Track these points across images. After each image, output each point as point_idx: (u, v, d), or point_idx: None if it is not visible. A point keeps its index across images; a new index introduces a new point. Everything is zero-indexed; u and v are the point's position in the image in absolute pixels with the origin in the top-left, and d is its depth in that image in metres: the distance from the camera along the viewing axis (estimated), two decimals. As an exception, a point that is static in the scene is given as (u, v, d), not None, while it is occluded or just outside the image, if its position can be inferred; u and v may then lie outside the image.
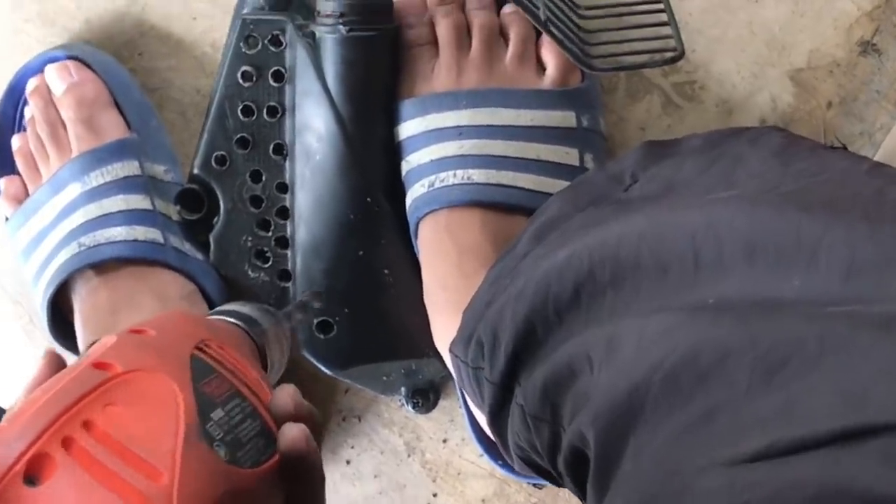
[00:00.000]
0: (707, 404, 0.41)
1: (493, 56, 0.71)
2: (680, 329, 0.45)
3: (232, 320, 0.58)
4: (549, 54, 0.70)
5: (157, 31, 0.76)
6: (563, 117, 0.70)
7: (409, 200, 0.71)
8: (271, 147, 0.73)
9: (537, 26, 0.64)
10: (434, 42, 0.71)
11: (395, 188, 0.72)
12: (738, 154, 0.57)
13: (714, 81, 0.72)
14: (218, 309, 0.61)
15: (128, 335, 0.47)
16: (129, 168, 0.73)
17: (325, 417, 0.78)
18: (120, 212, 0.73)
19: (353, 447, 0.79)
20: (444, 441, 0.78)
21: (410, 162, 0.71)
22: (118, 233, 0.72)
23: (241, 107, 0.72)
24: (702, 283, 0.48)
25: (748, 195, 0.49)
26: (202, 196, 0.74)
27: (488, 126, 0.69)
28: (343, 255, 0.72)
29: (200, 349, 0.48)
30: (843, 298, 0.41)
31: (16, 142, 0.76)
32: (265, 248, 0.74)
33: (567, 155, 0.70)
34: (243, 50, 0.72)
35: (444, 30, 0.71)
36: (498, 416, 0.60)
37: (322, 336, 0.73)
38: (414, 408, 0.76)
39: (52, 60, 0.75)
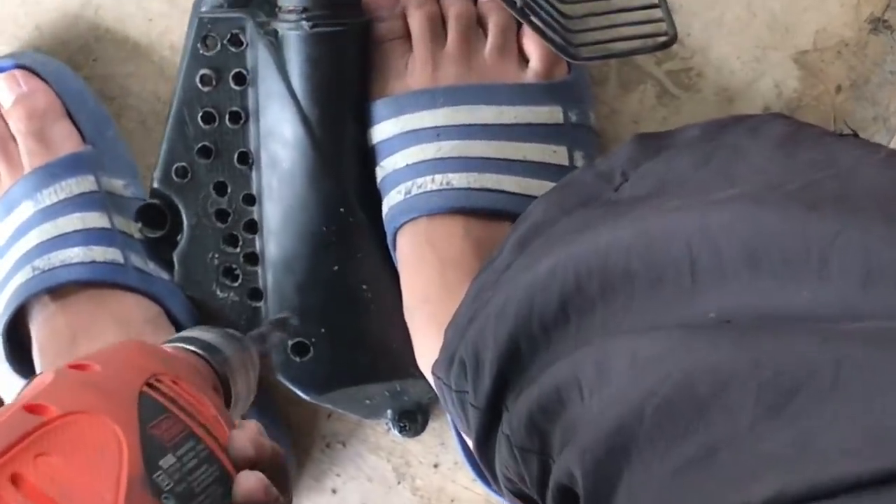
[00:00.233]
0: (707, 439, 0.36)
1: (472, 49, 0.66)
2: (675, 351, 0.39)
3: (191, 348, 0.54)
4: (532, 45, 0.65)
5: (112, 34, 0.72)
6: (550, 113, 0.65)
7: (385, 209, 0.66)
8: (236, 156, 0.67)
9: (513, 14, 0.59)
10: (407, 36, 0.66)
11: (371, 196, 0.67)
12: (737, 146, 0.52)
13: (712, 68, 0.67)
14: (176, 336, 0.56)
15: (67, 372, 0.43)
16: (84, 184, 0.69)
17: (308, 444, 0.73)
18: (76, 231, 0.68)
19: (338, 475, 0.74)
20: (436, 466, 0.73)
21: (385, 167, 0.66)
22: (75, 254, 0.67)
23: (201, 113, 0.67)
24: (700, 295, 0.43)
25: (749, 195, 0.44)
26: (164, 211, 0.69)
27: (468, 125, 0.64)
28: (317, 270, 0.67)
29: (151, 385, 0.43)
30: (861, 312, 0.36)
31: (-36, 159, 0.71)
32: (233, 266, 0.69)
33: (555, 154, 0.65)
34: (201, 52, 0.67)
35: (417, 22, 0.66)
36: (485, 444, 0.55)
37: (298, 359, 0.68)
38: (401, 431, 0.71)
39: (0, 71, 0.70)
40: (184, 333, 0.56)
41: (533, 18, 0.57)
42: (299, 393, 0.69)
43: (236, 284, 0.69)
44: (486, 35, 0.66)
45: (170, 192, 0.69)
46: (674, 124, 0.67)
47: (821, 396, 0.33)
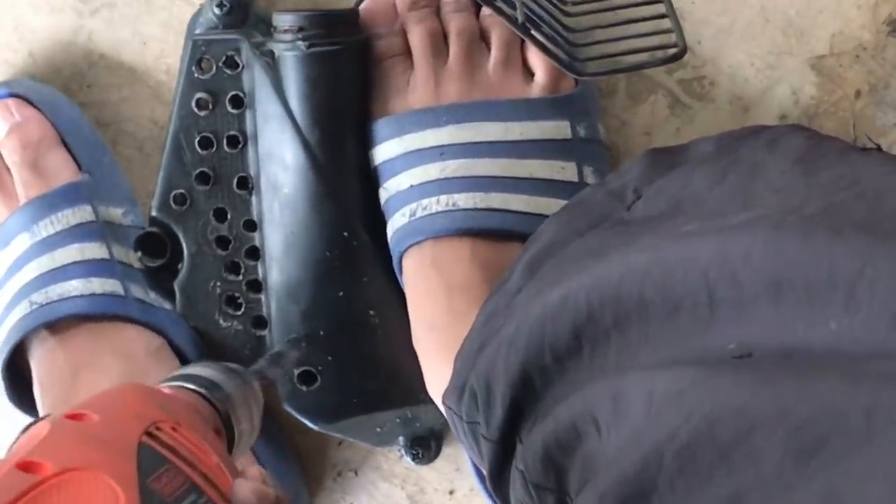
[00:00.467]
0: (731, 487, 0.34)
1: (475, 64, 0.63)
2: (695, 389, 0.37)
3: (191, 387, 0.52)
4: (537, 58, 0.63)
5: (106, 60, 0.70)
6: (557, 128, 0.62)
7: (389, 232, 0.64)
8: (235, 181, 0.65)
9: (514, 29, 0.56)
10: (407, 52, 0.64)
11: (375, 218, 0.65)
12: (754, 162, 0.50)
13: (725, 76, 0.65)
14: (175, 374, 0.54)
15: (64, 423, 0.41)
16: (81, 214, 0.67)
17: (318, 473, 0.71)
18: (74, 263, 0.66)
19: (351, 504, 0.72)
20: (451, 493, 0.71)
21: (389, 189, 0.63)
22: (73, 287, 0.66)
23: (198, 138, 0.65)
24: (719, 326, 0.41)
25: (767, 218, 0.42)
26: (164, 240, 0.67)
27: (473, 143, 0.62)
28: (322, 296, 0.65)
29: (151, 434, 0.42)
30: (891, 349, 0.33)
31: (-42, 191, 0.70)
32: (236, 294, 0.67)
33: (563, 170, 0.62)
34: (196, 75, 0.65)
35: (417, 38, 0.63)
36: (499, 478, 0.53)
37: (305, 388, 0.66)
38: (414, 459, 0.69)
39: (-9, 100, 0.68)
40: (183, 370, 0.54)
41: (536, 34, 0.55)
42: (308, 423, 0.67)
43: (239, 313, 0.67)
44: (489, 50, 0.64)
45: (169, 219, 0.67)
46: (687, 135, 0.65)
47: (851, 447, 0.30)
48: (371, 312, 0.65)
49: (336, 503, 0.72)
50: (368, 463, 0.71)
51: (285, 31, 0.62)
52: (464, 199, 0.61)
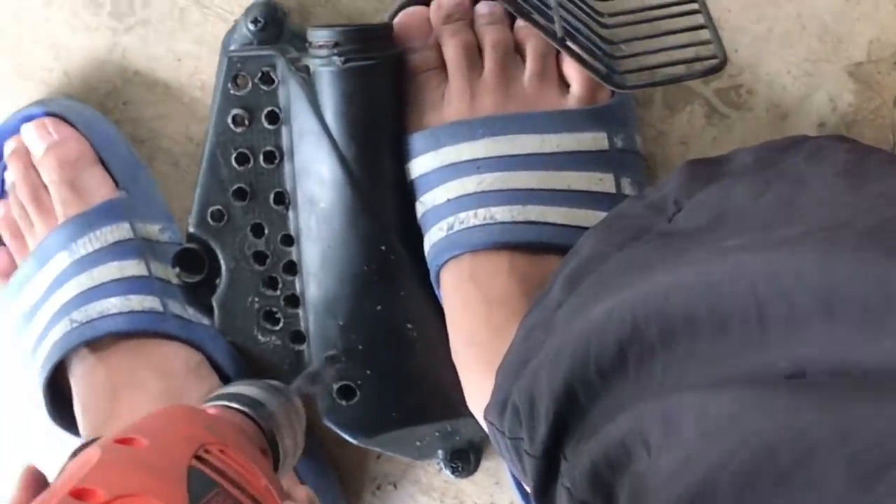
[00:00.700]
0: (791, 514, 0.33)
1: (510, 77, 0.63)
2: (751, 412, 0.37)
3: (235, 406, 0.52)
4: (573, 70, 0.62)
5: (141, 77, 0.70)
6: (594, 139, 0.62)
7: (427, 246, 0.64)
8: (272, 196, 0.66)
9: (553, 43, 0.56)
10: (442, 66, 0.64)
11: (412, 232, 0.65)
12: (797, 175, 0.49)
13: (762, 84, 0.64)
14: (219, 393, 0.54)
15: (114, 448, 0.41)
16: (119, 231, 0.67)
17: (358, 487, 0.71)
18: (113, 281, 0.66)
19: (390, 518, 0.72)
20: (491, 506, 0.71)
21: (425, 202, 0.63)
22: (113, 304, 0.66)
23: (234, 154, 0.65)
24: (769, 343, 0.40)
25: (817, 234, 0.41)
26: (202, 256, 0.67)
27: (509, 156, 0.62)
28: (359, 310, 0.65)
29: (200, 458, 0.42)
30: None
31: (-3, 210, 0.70)
32: (274, 309, 0.67)
33: (601, 181, 0.62)
34: (232, 91, 0.65)
35: (452, 51, 0.63)
36: (544, 494, 0.52)
37: (344, 402, 0.66)
38: (454, 472, 0.69)
39: (29, 118, 0.69)
40: (226, 389, 0.54)
41: (574, 47, 0.54)
42: (347, 437, 0.67)
43: (278, 328, 0.67)
44: (524, 62, 0.63)
45: (206, 235, 0.67)
46: (725, 144, 0.65)
47: (918, 471, 0.30)
48: (409, 326, 0.65)
49: (375, 517, 0.72)
50: (407, 476, 0.71)
51: (321, 47, 0.62)
52: (501, 213, 0.61)
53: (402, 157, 0.64)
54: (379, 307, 0.64)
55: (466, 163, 0.62)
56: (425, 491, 0.71)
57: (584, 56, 0.55)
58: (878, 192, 0.44)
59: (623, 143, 0.63)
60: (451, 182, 0.62)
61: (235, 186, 0.66)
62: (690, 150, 0.65)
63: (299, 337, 0.67)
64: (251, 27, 0.65)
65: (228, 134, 0.65)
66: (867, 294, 0.36)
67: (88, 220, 0.67)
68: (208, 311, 0.68)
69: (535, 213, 0.61)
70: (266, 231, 0.66)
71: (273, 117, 0.65)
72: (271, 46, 0.64)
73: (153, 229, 0.68)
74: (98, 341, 0.66)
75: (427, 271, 0.64)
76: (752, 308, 0.41)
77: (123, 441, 0.42)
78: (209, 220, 0.66)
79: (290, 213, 0.65)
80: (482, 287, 0.61)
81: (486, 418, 0.57)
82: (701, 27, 0.55)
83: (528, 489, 0.59)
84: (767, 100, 0.65)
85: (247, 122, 0.65)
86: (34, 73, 0.71)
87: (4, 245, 0.70)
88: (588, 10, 0.58)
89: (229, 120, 0.65)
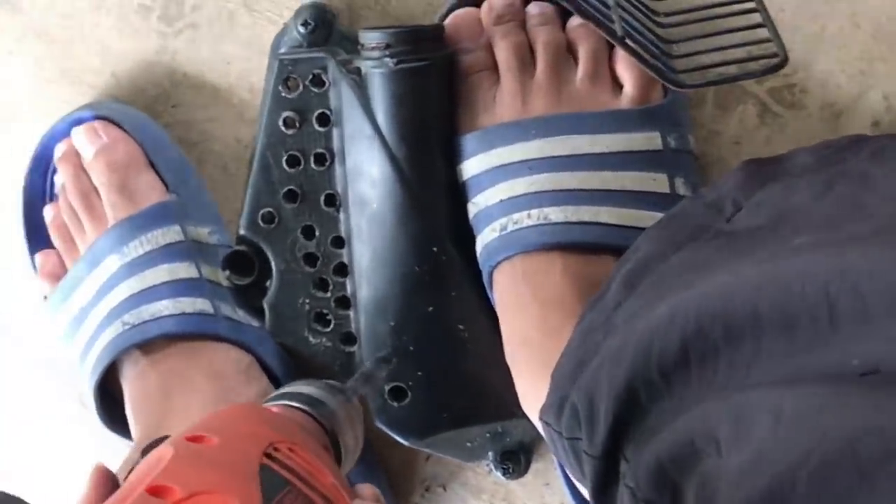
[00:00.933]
0: (874, 512, 0.33)
1: (562, 77, 0.63)
2: (828, 409, 0.36)
3: (296, 405, 0.52)
4: (626, 70, 0.62)
5: (190, 79, 0.70)
6: (647, 139, 0.62)
7: (479, 247, 0.63)
8: (322, 198, 0.66)
9: (614, 43, 0.56)
10: (494, 67, 0.64)
11: (463, 233, 0.64)
12: (860, 173, 0.49)
13: (816, 83, 0.64)
14: (278, 392, 0.54)
15: (186, 446, 0.42)
16: (170, 234, 0.67)
17: (407, 489, 0.71)
18: (164, 283, 0.66)
19: (439, 519, 0.71)
20: (541, 508, 0.70)
21: (478, 203, 0.63)
22: (164, 307, 0.66)
23: (285, 157, 0.66)
24: (840, 341, 0.40)
25: (887, 233, 0.41)
26: (252, 258, 0.67)
27: (562, 157, 0.61)
28: (411, 311, 0.64)
29: (269, 456, 0.42)
30: None
31: (48, 213, 0.70)
32: (325, 311, 0.67)
33: (654, 181, 0.62)
34: (283, 94, 0.65)
35: (504, 52, 0.63)
36: (603, 494, 0.52)
37: (395, 403, 0.66)
38: (504, 473, 0.68)
39: (79, 122, 0.69)
40: (286, 389, 0.54)
41: (633, 45, 0.54)
42: (398, 438, 0.67)
43: (328, 330, 0.67)
44: (576, 62, 0.63)
45: (257, 237, 0.67)
46: (778, 143, 0.64)
47: None
48: (461, 327, 0.65)
49: (425, 519, 0.72)
50: (457, 478, 0.71)
51: (372, 49, 0.62)
52: (555, 213, 0.61)
53: (453, 158, 0.64)
54: (430, 308, 0.64)
55: (519, 164, 0.62)
56: (475, 493, 0.71)
57: (645, 55, 0.54)
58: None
59: (676, 143, 0.62)
60: (503, 183, 0.62)
61: (286, 189, 0.66)
62: (743, 149, 0.65)
63: (350, 338, 0.67)
64: (301, 29, 0.65)
65: (279, 136, 0.65)
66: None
67: (139, 223, 0.67)
68: (258, 313, 0.68)
69: (588, 213, 0.61)
70: (317, 233, 0.66)
71: (324, 119, 0.65)
72: (322, 49, 0.64)
73: (203, 232, 0.69)
74: (149, 344, 0.66)
75: (478, 272, 0.64)
76: (824, 306, 0.40)
77: (194, 439, 0.42)
78: (260, 222, 0.67)
79: (341, 215, 0.65)
80: (535, 288, 0.61)
81: (541, 419, 0.56)
82: (758, 26, 0.55)
83: (582, 491, 0.59)
84: (821, 99, 0.64)
85: (297, 125, 0.65)
86: (84, 77, 0.71)
87: (55, 248, 0.70)
88: (645, 9, 0.58)
89: (280, 122, 0.65)
